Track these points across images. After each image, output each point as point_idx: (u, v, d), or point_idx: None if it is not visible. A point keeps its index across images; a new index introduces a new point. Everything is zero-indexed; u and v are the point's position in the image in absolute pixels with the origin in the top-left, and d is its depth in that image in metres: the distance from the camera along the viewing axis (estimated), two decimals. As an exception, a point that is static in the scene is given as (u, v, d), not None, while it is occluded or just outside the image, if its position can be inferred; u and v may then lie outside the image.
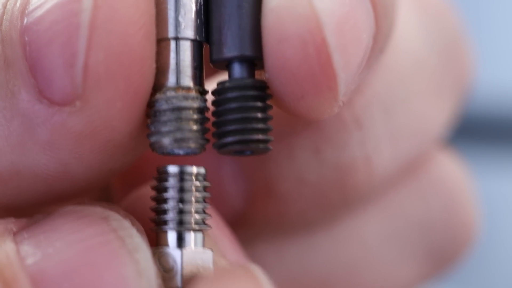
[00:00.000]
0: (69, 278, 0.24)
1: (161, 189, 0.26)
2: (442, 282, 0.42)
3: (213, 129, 0.26)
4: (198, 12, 0.26)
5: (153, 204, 0.27)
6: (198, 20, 0.26)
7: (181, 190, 0.26)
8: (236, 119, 0.26)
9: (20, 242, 0.25)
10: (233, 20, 0.26)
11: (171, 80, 0.25)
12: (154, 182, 0.27)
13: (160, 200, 0.26)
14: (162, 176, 0.26)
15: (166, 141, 0.25)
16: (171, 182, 0.26)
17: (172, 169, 0.26)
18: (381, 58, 0.30)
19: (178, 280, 0.26)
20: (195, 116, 0.25)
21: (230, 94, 0.26)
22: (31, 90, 0.24)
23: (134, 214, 0.26)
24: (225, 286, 0.25)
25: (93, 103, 0.24)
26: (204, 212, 0.27)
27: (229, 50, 0.26)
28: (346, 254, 0.35)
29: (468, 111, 0.44)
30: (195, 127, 0.25)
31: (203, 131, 0.26)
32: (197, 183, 0.26)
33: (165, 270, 0.26)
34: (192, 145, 0.25)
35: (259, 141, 0.26)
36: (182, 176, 0.26)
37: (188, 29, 0.25)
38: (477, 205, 0.39)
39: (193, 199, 0.26)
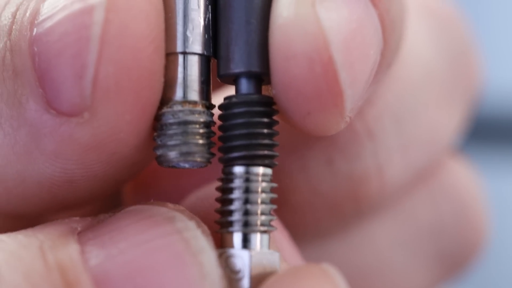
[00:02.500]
0: (133, 280, 0.24)
1: (226, 190, 0.26)
2: (453, 286, 0.42)
3: (219, 143, 0.26)
4: (206, 27, 0.26)
5: (216, 205, 0.26)
6: (206, 35, 0.26)
7: (247, 191, 0.26)
8: (242, 134, 0.26)
9: (84, 242, 0.24)
10: (241, 35, 0.26)
11: (178, 94, 0.25)
12: (219, 183, 0.26)
13: (226, 201, 0.26)
14: (228, 177, 0.26)
15: (172, 154, 0.25)
16: (237, 183, 0.26)
17: (238, 169, 0.26)
18: (389, 72, 0.31)
19: (247, 283, 0.25)
20: (201, 130, 0.25)
21: (237, 110, 0.26)
22: (39, 100, 0.24)
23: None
24: (302, 284, 0.25)
25: (101, 115, 0.24)
26: (270, 213, 0.26)
27: (236, 65, 0.26)
28: (358, 260, 0.36)
29: (477, 114, 0.44)
30: (201, 141, 0.25)
31: (209, 145, 0.26)
32: (264, 184, 0.26)
33: (232, 272, 0.25)
34: (198, 159, 0.25)
35: (264, 156, 0.26)
36: (248, 177, 0.26)
37: (196, 44, 0.26)
38: (488, 211, 0.39)
39: (259, 200, 0.26)
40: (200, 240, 0.24)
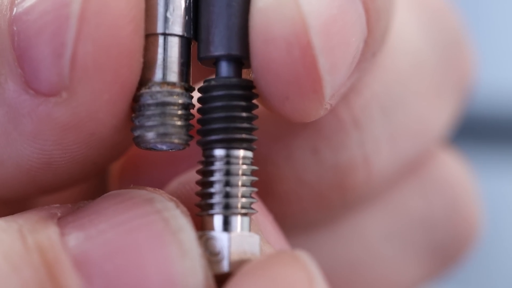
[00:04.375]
0: (112, 259, 0.24)
1: (207, 173, 0.26)
2: (443, 282, 0.42)
3: (198, 126, 0.26)
4: (187, 9, 0.26)
5: (197, 189, 0.26)
6: (186, 17, 0.26)
7: (228, 173, 0.26)
8: (220, 117, 0.26)
9: (64, 226, 0.25)
10: (221, 18, 0.26)
11: (157, 75, 0.25)
12: (199, 166, 0.26)
13: (206, 184, 0.26)
14: (208, 159, 0.26)
15: (149, 135, 0.25)
16: (217, 165, 0.26)
17: (219, 152, 0.26)
18: (375, 61, 0.30)
19: (226, 264, 0.25)
20: (179, 112, 0.25)
21: (216, 92, 0.26)
22: (18, 80, 0.24)
23: None
24: (273, 273, 0.25)
25: (79, 94, 0.24)
26: (251, 196, 0.26)
27: (216, 48, 0.26)
28: (347, 252, 0.35)
29: (469, 110, 0.44)
30: (179, 123, 0.25)
31: (187, 127, 0.26)
32: (244, 167, 0.26)
33: (211, 254, 0.25)
34: (176, 140, 0.25)
35: (242, 140, 0.26)
36: (228, 159, 0.26)
37: (176, 25, 0.26)
38: (479, 204, 0.39)
39: (239, 182, 0.26)
40: (179, 219, 0.24)
